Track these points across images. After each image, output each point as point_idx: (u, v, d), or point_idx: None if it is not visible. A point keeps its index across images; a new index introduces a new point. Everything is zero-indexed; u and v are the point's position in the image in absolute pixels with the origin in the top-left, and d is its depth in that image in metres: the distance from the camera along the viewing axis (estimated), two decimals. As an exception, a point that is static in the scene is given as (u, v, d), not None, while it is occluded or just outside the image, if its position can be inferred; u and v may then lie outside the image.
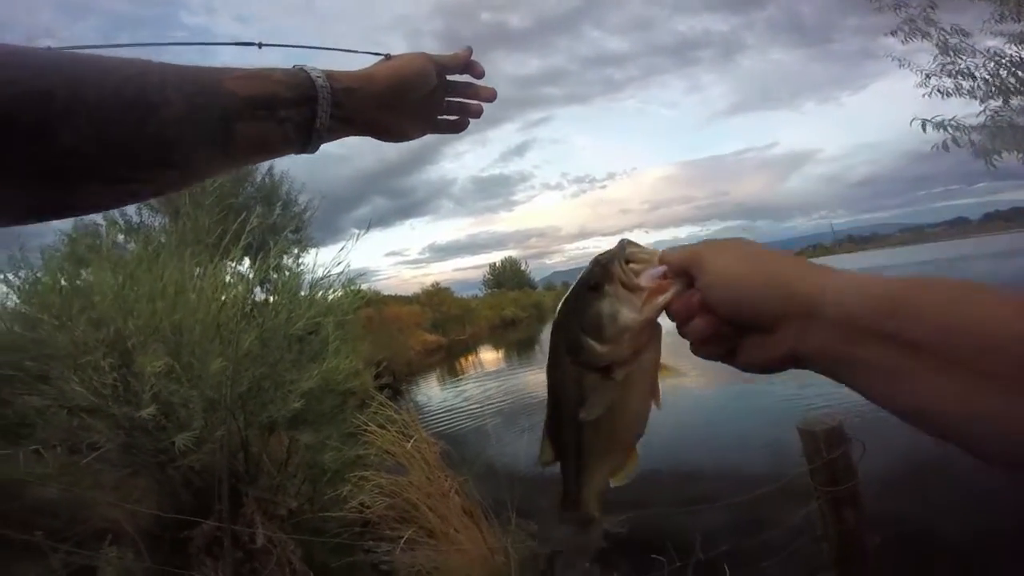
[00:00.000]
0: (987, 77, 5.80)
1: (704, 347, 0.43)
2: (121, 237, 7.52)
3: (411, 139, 0.61)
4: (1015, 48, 5.71)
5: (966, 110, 5.98)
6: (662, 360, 0.50)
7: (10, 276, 2.80)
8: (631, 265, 0.47)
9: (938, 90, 6.01)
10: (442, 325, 23.42)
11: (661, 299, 0.44)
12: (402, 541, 2.38)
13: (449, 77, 0.61)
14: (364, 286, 4.48)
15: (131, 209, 8.42)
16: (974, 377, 0.27)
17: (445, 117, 0.65)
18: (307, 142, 0.48)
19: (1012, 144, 5.71)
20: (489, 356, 18.39)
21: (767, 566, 2.25)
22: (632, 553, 2.59)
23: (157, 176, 0.40)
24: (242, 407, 2.76)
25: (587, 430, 0.51)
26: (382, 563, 2.44)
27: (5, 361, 2.37)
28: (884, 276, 0.33)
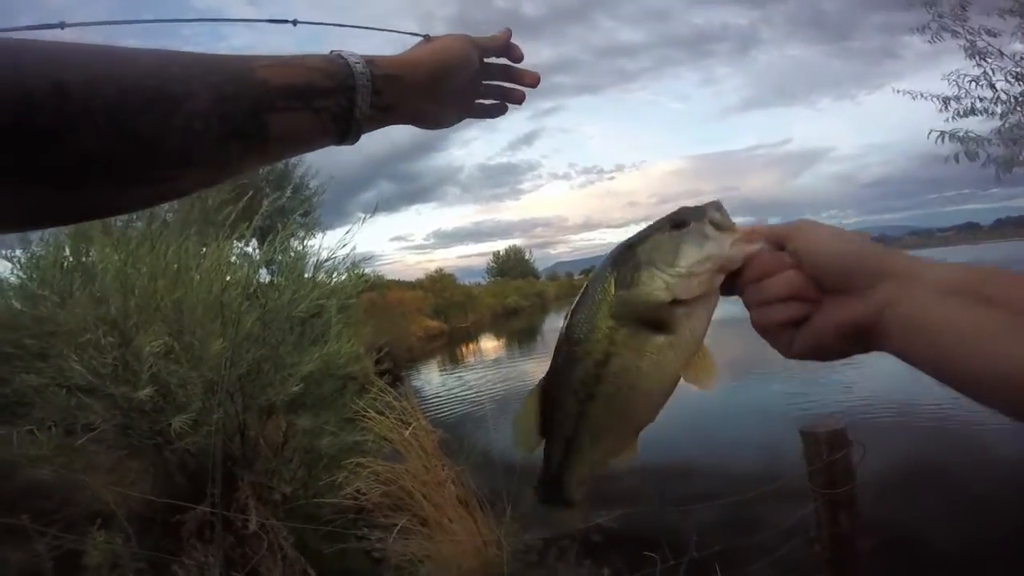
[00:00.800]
0: (1008, 83, 5.65)
1: (783, 307, 0.41)
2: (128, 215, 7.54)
3: (449, 125, 0.58)
4: None
5: (984, 126, 5.86)
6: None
7: (18, 252, 2.80)
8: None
9: (957, 112, 5.84)
10: (444, 312, 23.48)
11: (752, 246, 0.42)
12: (396, 529, 2.39)
13: (487, 60, 0.58)
14: (368, 270, 4.48)
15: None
16: None
17: (482, 102, 0.61)
18: (346, 133, 0.45)
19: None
20: (490, 344, 18.45)
21: (757, 568, 2.26)
22: (625, 549, 2.60)
23: (184, 175, 0.37)
24: (241, 389, 2.76)
25: (598, 400, 0.46)
26: (375, 550, 2.45)
27: (5, 339, 2.36)
28: None
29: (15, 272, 2.74)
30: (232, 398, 2.66)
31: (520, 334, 21.00)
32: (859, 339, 0.38)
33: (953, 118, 5.83)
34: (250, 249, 4.07)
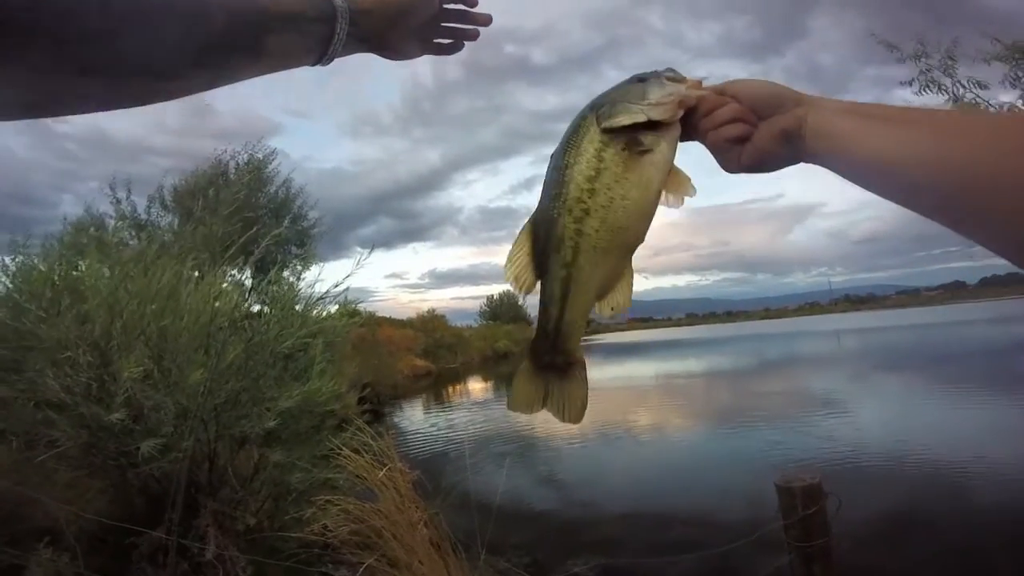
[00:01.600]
0: None
1: (727, 127, 0.52)
2: (127, 233, 7.55)
3: (410, 58, 0.67)
4: None
5: None
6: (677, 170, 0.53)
7: (7, 260, 2.80)
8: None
9: None
10: (433, 352, 23.26)
11: (700, 91, 0.53)
12: (362, 568, 2.30)
13: (446, 5, 0.68)
14: (360, 305, 4.48)
15: (140, 207, 8.48)
16: (925, 129, 0.39)
17: (441, 40, 0.70)
18: (324, 54, 0.54)
19: None
20: (477, 386, 18.19)
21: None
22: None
23: (194, 75, 0.45)
24: (215, 418, 2.71)
25: (591, 218, 0.50)
26: (338, 589, 2.35)
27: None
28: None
29: (2, 281, 2.73)
30: (205, 426, 2.61)
31: (509, 378, 20.75)
32: (789, 145, 0.49)
33: None
34: (243, 277, 4.08)
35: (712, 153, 0.55)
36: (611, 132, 0.51)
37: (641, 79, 0.53)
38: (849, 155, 0.45)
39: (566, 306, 0.53)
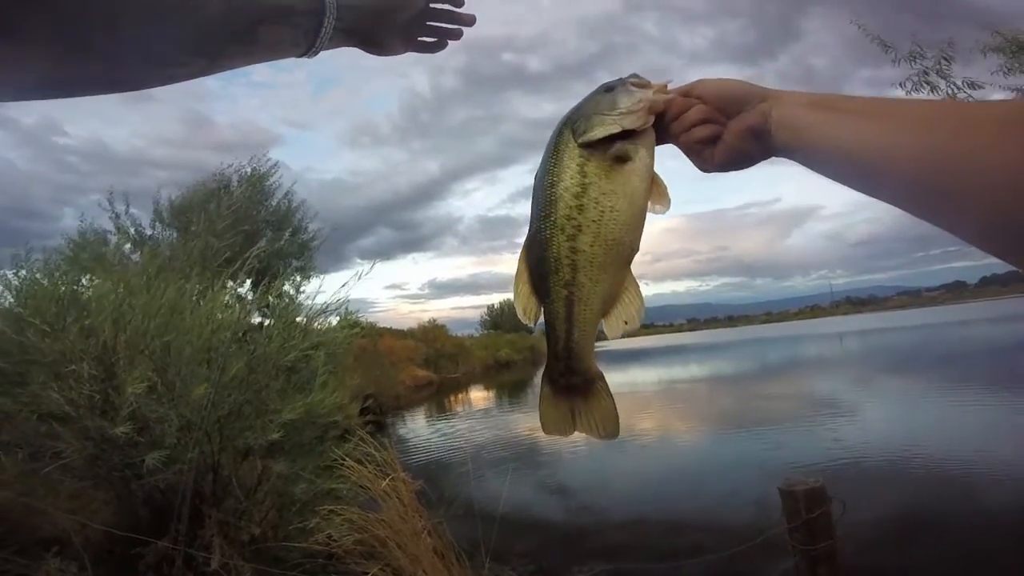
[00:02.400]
0: None
1: (697, 129, 0.54)
2: (128, 247, 7.57)
3: (394, 54, 0.69)
4: None
5: None
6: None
7: (9, 274, 2.82)
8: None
9: None
10: (435, 362, 23.22)
11: (667, 95, 0.54)
12: (366, 578, 2.29)
13: (432, 4, 0.70)
14: (361, 315, 4.48)
15: (145, 221, 8.52)
16: (887, 121, 0.41)
17: (425, 39, 0.73)
18: (311, 47, 0.57)
19: None
20: (479, 395, 18.13)
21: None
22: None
23: (193, 62, 0.48)
24: (219, 430, 2.72)
25: (584, 235, 0.50)
26: (343, 598, 2.34)
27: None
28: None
29: (5, 295, 2.75)
30: (209, 438, 2.62)
31: (511, 387, 20.70)
32: (758, 141, 0.51)
33: None
34: (243, 290, 4.09)
35: (686, 154, 0.56)
36: (589, 146, 0.52)
37: (608, 88, 0.54)
38: (813, 148, 0.46)
39: (572, 326, 0.52)
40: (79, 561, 1.87)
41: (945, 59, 5.90)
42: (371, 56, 0.69)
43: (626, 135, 0.52)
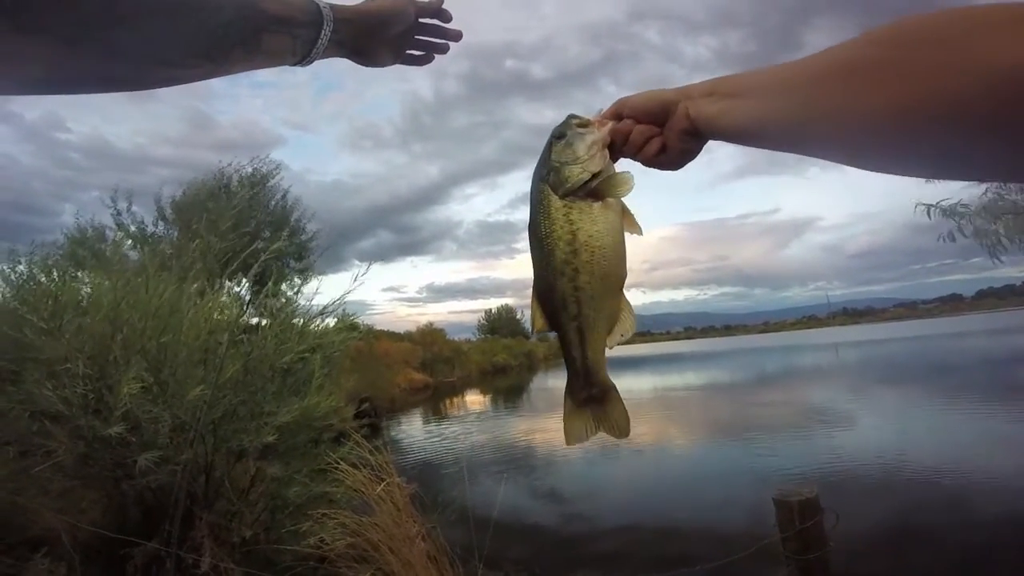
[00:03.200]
0: None
1: (646, 147, 0.60)
2: (129, 243, 7.54)
3: (383, 66, 0.73)
4: None
5: (967, 192, 6.04)
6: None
7: (6, 269, 2.81)
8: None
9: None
10: (431, 365, 23.17)
11: (607, 126, 0.61)
12: (358, 582, 2.28)
13: (422, 19, 0.74)
14: (357, 318, 4.47)
15: (146, 218, 8.50)
16: (759, 96, 0.46)
17: (413, 52, 0.76)
18: (306, 56, 0.60)
19: (1014, 230, 5.70)
20: (475, 399, 18.09)
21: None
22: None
23: (199, 65, 0.50)
24: (213, 431, 2.70)
25: (581, 275, 0.58)
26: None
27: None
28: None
29: (2, 291, 2.73)
30: (203, 439, 2.60)
31: (507, 392, 20.66)
32: (693, 134, 0.57)
33: (936, 184, 6.03)
34: (240, 290, 4.08)
35: (645, 166, 0.63)
36: (568, 196, 0.60)
37: (560, 136, 0.62)
38: (722, 133, 0.52)
39: (586, 349, 0.61)
40: (68, 561, 1.86)
41: None
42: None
43: (594, 176, 0.60)
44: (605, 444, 7.88)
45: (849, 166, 0.41)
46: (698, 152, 0.60)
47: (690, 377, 22.13)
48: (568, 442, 0.64)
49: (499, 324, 54.24)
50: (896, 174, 0.40)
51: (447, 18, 0.76)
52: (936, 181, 6.14)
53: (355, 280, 3.58)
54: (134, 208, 8.27)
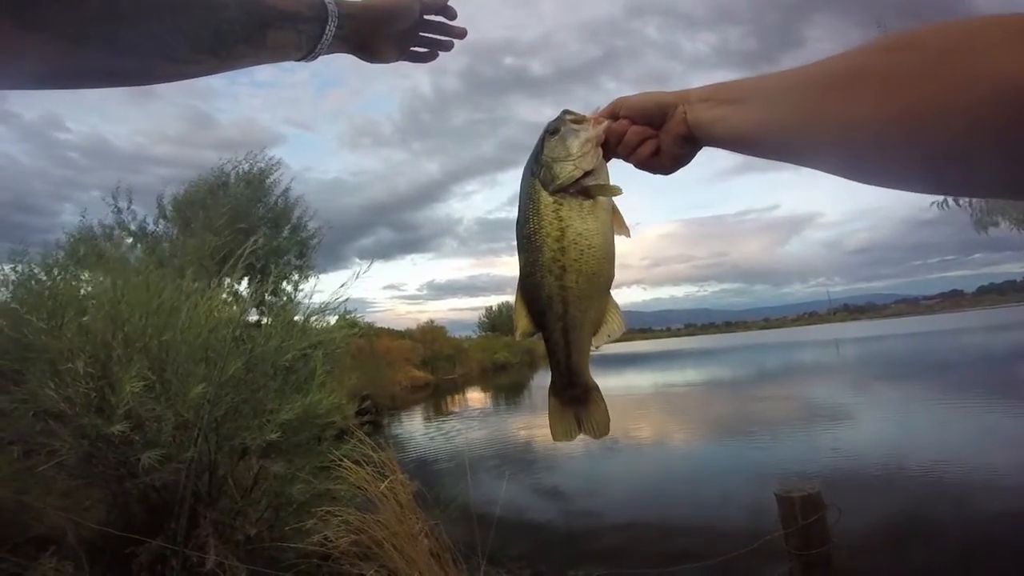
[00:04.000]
0: None
1: (640, 148, 0.59)
2: (130, 241, 7.53)
3: (387, 62, 0.72)
4: None
5: None
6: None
7: (7, 269, 2.81)
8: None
9: None
10: (432, 363, 23.19)
11: (603, 125, 0.60)
12: (362, 579, 2.29)
13: (426, 17, 0.73)
14: (358, 315, 4.47)
15: (141, 216, 8.48)
16: (758, 103, 0.46)
17: (417, 49, 0.75)
18: (311, 52, 0.60)
19: (1007, 210, 5.69)
20: (476, 396, 18.11)
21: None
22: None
23: (205, 60, 0.50)
24: (216, 429, 2.71)
25: (569, 273, 0.57)
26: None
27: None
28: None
29: (2, 291, 2.73)
30: (206, 437, 2.60)
31: (508, 389, 20.68)
32: (690, 140, 0.56)
33: None
34: (240, 287, 4.07)
35: (638, 168, 0.62)
36: (559, 192, 0.58)
37: (554, 131, 0.60)
38: (719, 139, 0.52)
39: (570, 349, 0.60)
40: (75, 560, 1.86)
41: None
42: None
43: (587, 173, 0.58)
44: (605, 441, 7.90)
45: (848, 179, 0.40)
46: (691, 159, 0.59)
47: (691, 373, 22.14)
48: (555, 439, 0.64)
49: (500, 321, 54.29)
50: (895, 187, 0.38)
51: (452, 15, 0.75)
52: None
53: (356, 276, 3.59)
54: (134, 207, 8.26)
